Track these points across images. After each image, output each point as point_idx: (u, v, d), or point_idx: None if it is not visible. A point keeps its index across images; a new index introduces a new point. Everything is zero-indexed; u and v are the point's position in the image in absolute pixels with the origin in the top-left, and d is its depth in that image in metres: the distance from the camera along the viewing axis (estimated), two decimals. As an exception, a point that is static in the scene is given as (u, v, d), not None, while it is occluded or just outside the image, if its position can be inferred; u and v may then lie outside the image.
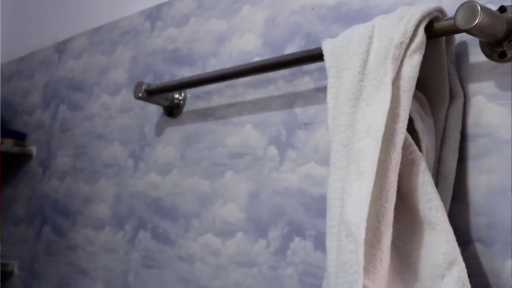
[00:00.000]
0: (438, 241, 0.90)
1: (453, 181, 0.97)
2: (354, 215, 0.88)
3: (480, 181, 0.95)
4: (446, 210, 0.96)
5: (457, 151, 0.98)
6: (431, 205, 0.90)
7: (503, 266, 0.90)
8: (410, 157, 0.92)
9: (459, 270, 0.88)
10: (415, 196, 0.90)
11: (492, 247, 0.92)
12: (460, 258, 0.88)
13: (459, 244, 0.94)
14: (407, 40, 0.92)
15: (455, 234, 0.95)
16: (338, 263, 0.91)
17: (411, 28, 0.92)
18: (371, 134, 0.90)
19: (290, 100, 1.26)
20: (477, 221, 0.94)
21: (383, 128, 0.89)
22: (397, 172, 0.90)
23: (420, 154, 0.92)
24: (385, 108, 0.90)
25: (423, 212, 0.90)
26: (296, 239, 1.19)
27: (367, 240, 0.87)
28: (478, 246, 0.94)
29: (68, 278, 1.78)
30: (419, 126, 0.94)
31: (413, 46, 0.93)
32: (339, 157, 0.98)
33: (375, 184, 0.88)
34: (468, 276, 0.93)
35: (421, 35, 0.93)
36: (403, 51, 0.92)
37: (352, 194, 0.90)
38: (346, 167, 0.97)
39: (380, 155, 0.89)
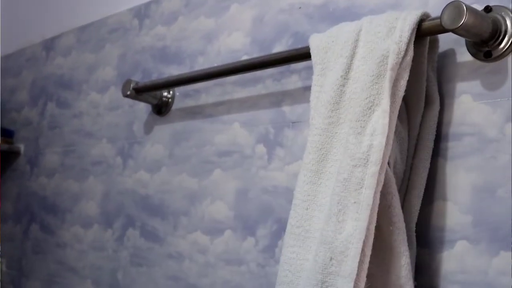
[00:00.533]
0: (394, 264, 0.92)
1: (422, 191, 0.98)
2: (346, 245, 0.89)
3: (466, 180, 0.96)
4: (413, 221, 0.97)
5: (429, 161, 0.99)
6: (393, 228, 0.92)
7: (489, 263, 0.91)
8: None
9: None
10: (380, 218, 0.91)
11: (478, 244, 0.93)
12: (411, 283, 0.91)
13: (446, 242, 0.96)
14: (401, 59, 0.92)
15: (441, 232, 0.97)
16: (311, 273, 0.92)
17: (404, 47, 0.92)
18: (368, 164, 0.90)
19: (278, 99, 1.27)
20: (463, 219, 0.95)
21: (380, 162, 0.89)
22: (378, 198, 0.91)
23: (392, 175, 0.93)
24: (383, 139, 0.90)
25: (384, 236, 0.92)
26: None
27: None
28: (464, 244, 0.94)
29: (56, 276, 1.78)
30: (391, 138, 0.95)
31: (404, 64, 0.93)
32: (311, 159, 0.99)
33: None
34: (455, 273, 0.94)
35: (411, 50, 0.93)
36: (396, 71, 0.92)
37: (344, 220, 0.90)
38: (316, 170, 0.99)
39: (375, 188, 0.89)
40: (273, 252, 1.21)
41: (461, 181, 0.97)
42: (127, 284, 1.54)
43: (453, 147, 0.98)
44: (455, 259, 0.95)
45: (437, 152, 0.99)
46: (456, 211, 0.96)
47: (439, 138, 1.00)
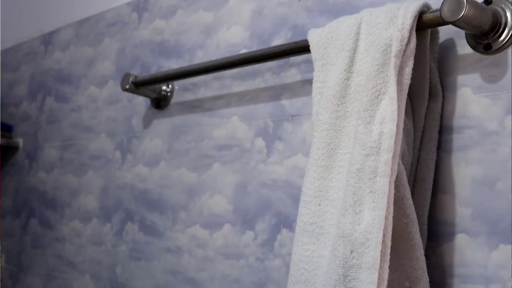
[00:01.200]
0: (409, 256, 0.91)
1: (432, 184, 0.98)
2: (367, 236, 0.88)
3: (466, 173, 0.96)
4: (425, 214, 0.97)
5: (435, 153, 0.98)
6: (407, 220, 0.91)
7: (488, 256, 0.91)
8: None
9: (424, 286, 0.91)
10: (394, 210, 0.90)
11: (477, 237, 0.93)
12: (425, 274, 0.91)
13: (446, 235, 0.96)
14: (404, 46, 0.92)
15: (441, 225, 0.97)
16: (331, 269, 0.91)
17: (407, 34, 0.91)
18: (381, 152, 0.89)
19: (277, 92, 1.26)
20: (463, 212, 0.95)
21: (393, 149, 0.89)
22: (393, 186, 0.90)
23: (403, 166, 0.93)
24: (393, 126, 0.89)
25: (399, 228, 0.91)
26: (284, 231, 1.20)
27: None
28: (464, 237, 0.94)
29: (55, 271, 1.78)
30: (401, 126, 0.94)
31: (408, 51, 0.92)
32: (321, 155, 0.98)
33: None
34: (454, 267, 0.94)
35: (414, 37, 0.92)
36: (401, 58, 0.92)
37: (362, 211, 0.89)
38: (326, 165, 0.98)
39: (390, 176, 0.88)
40: (272, 246, 1.21)
41: (461, 174, 0.96)
42: (126, 278, 1.54)
43: (453, 140, 0.98)
44: (455, 252, 0.95)
45: (438, 145, 0.99)
46: (456, 204, 0.96)
47: (440, 131, 0.99)
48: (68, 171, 1.80)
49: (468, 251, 0.93)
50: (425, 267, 0.92)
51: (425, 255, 0.96)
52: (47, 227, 1.84)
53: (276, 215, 1.21)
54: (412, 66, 0.93)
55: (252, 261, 1.24)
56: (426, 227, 0.97)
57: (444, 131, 0.99)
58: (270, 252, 1.21)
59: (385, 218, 0.87)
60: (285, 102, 1.24)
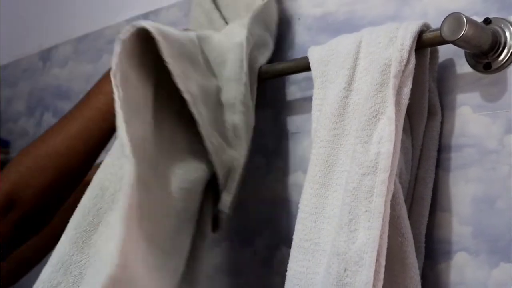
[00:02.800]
0: (403, 275, 0.91)
1: (429, 202, 0.98)
2: (361, 255, 0.88)
3: (466, 191, 0.96)
4: (423, 232, 0.97)
5: (433, 171, 0.99)
6: (402, 240, 0.91)
7: (488, 275, 0.91)
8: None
9: None
10: (390, 229, 0.90)
11: (477, 256, 0.93)
12: None
13: (446, 253, 0.96)
14: (403, 67, 0.92)
15: (441, 243, 0.97)
16: (324, 286, 0.91)
17: (406, 55, 0.92)
18: (377, 172, 0.89)
19: (277, 109, 1.27)
20: (463, 231, 0.95)
21: (389, 169, 0.89)
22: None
23: (399, 185, 0.93)
24: (390, 146, 0.89)
25: (394, 247, 0.91)
26: (283, 248, 1.19)
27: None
28: (464, 255, 0.94)
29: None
30: (398, 146, 0.95)
31: (407, 72, 0.93)
32: (318, 172, 0.99)
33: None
34: (453, 285, 0.94)
35: (413, 58, 0.93)
36: (399, 79, 0.93)
37: (357, 230, 0.89)
38: (323, 182, 0.98)
39: (386, 196, 0.89)
40: (271, 263, 1.21)
41: (460, 192, 0.97)
42: None
43: (453, 158, 0.99)
44: (455, 270, 0.95)
45: (437, 163, 0.99)
46: (456, 222, 0.96)
47: (440, 149, 1.00)
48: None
49: (468, 269, 0.93)
50: (419, 286, 0.92)
51: (423, 273, 0.97)
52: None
53: (276, 233, 1.21)
54: (410, 86, 0.93)
55: (252, 278, 1.23)
56: (423, 245, 0.97)
57: (443, 149, 1.00)
58: (269, 269, 1.21)
59: (380, 238, 0.88)
60: (284, 119, 1.25)
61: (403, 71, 0.93)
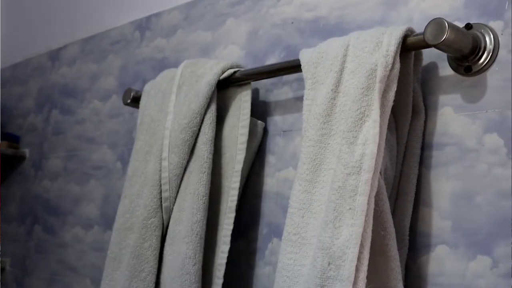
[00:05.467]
0: (385, 267, 0.92)
1: (413, 197, 0.99)
2: (344, 250, 0.89)
3: (446, 187, 0.96)
4: (407, 226, 0.98)
5: (417, 168, 0.99)
6: (384, 233, 0.92)
7: (466, 266, 0.92)
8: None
9: None
10: (373, 223, 0.91)
11: (456, 248, 0.93)
12: (401, 284, 0.92)
13: (427, 246, 0.96)
14: (389, 72, 0.93)
15: (423, 236, 0.97)
16: (310, 278, 0.92)
17: (391, 60, 0.92)
18: (362, 172, 0.90)
19: (270, 108, 1.27)
20: (443, 225, 0.96)
21: (373, 169, 0.90)
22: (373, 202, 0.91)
23: (383, 182, 0.94)
24: (374, 148, 0.90)
25: (376, 241, 0.92)
26: (275, 240, 1.20)
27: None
28: (444, 248, 0.95)
29: (57, 275, 1.77)
30: (382, 147, 0.95)
31: (392, 76, 0.93)
32: (306, 170, 0.99)
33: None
34: (434, 276, 0.95)
35: (398, 63, 0.94)
36: (385, 83, 0.93)
37: (341, 226, 0.90)
38: (311, 180, 0.99)
39: (369, 195, 0.89)
40: (263, 254, 1.21)
41: (441, 189, 0.97)
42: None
43: (435, 156, 0.99)
44: (435, 262, 0.95)
45: (420, 161, 1.00)
46: (437, 216, 0.97)
47: (422, 147, 1.00)
48: (72, 180, 1.80)
49: (447, 261, 0.94)
50: (400, 277, 0.92)
51: (406, 264, 0.97)
52: (50, 233, 1.84)
53: (268, 225, 1.22)
54: (395, 89, 0.94)
55: (245, 268, 1.24)
56: (407, 238, 0.97)
57: (426, 147, 1.00)
58: (261, 260, 1.21)
59: (363, 234, 0.88)
60: (277, 118, 1.25)
61: (388, 76, 0.93)
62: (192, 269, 1.13)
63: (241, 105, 1.22)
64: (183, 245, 1.14)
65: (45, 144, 1.96)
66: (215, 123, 1.21)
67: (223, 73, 1.23)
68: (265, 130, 1.27)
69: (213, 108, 1.21)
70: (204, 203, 1.16)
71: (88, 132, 1.78)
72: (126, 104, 1.49)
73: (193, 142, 1.21)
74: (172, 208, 1.21)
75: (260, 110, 1.29)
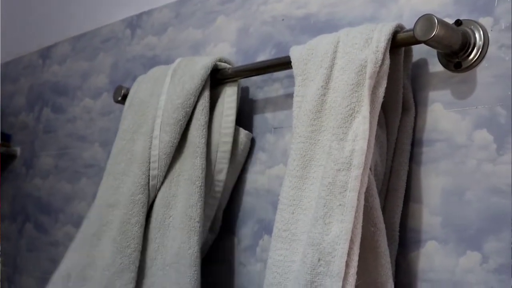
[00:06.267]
0: (375, 263, 0.91)
1: (403, 193, 0.98)
2: (334, 246, 0.88)
3: (436, 183, 0.96)
4: (397, 222, 0.97)
5: (407, 164, 0.99)
6: (374, 229, 0.91)
7: (456, 262, 0.91)
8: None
9: None
10: (363, 219, 0.90)
11: (446, 244, 0.93)
12: (391, 280, 0.91)
13: (417, 242, 0.95)
14: (378, 68, 0.92)
15: (413, 232, 0.97)
16: (300, 274, 0.91)
17: (381, 57, 0.92)
18: (352, 168, 0.89)
19: (261, 105, 1.26)
20: (433, 221, 0.95)
21: (363, 165, 0.89)
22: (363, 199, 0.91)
23: (373, 178, 0.93)
24: (364, 144, 0.90)
25: (367, 236, 0.91)
26: (265, 237, 1.19)
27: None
28: (434, 244, 0.94)
29: (49, 273, 1.75)
30: (372, 143, 0.94)
31: (382, 72, 0.93)
32: (296, 166, 0.98)
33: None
34: (424, 272, 0.94)
35: (387, 59, 0.93)
36: (374, 79, 0.92)
37: (331, 222, 0.89)
38: (301, 176, 0.98)
39: (359, 191, 0.89)
40: (254, 251, 1.20)
41: (432, 185, 0.97)
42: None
43: (425, 152, 0.98)
44: (425, 258, 0.95)
45: (410, 157, 0.99)
46: (427, 212, 0.96)
47: (412, 143, 1.00)
48: (63, 178, 1.79)
49: (437, 257, 0.93)
50: (390, 273, 0.92)
51: (396, 260, 0.97)
52: (41, 232, 1.82)
53: (259, 222, 1.21)
54: (385, 86, 0.93)
55: (236, 265, 1.23)
56: (397, 234, 0.97)
57: (416, 143, 1.00)
58: (252, 257, 1.20)
59: (353, 230, 0.88)
60: (268, 115, 1.24)
61: (378, 72, 0.92)
62: (187, 253, 1.12)
63: (224, 111, 1.22)
64: (177, 232, 1.14)
65: (36, 142, 1.94)
66: (208, 110, 1.20)
67: (220, 61, 1.24)
68: (255, 127, 1.26)
69: (206, 94, 1.21)
70: (198, 187, 1.15)
71: (79, 130, 1.77)
72: (117, 101, 1.48)
73: (185, 124, 1.20)
74: (159, 188, 1.20)
75: (250, 108, 1.28)
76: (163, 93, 1.25)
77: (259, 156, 1.24)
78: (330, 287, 0.87)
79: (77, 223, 1.69)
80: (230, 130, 1.20)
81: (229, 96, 1.23)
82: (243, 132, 1.23)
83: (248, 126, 1.27)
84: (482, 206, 0.90)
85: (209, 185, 1.19)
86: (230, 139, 1.20)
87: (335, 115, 0.95)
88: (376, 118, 0.93)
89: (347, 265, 0.87)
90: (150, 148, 1.22)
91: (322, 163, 0.96)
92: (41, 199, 1.86)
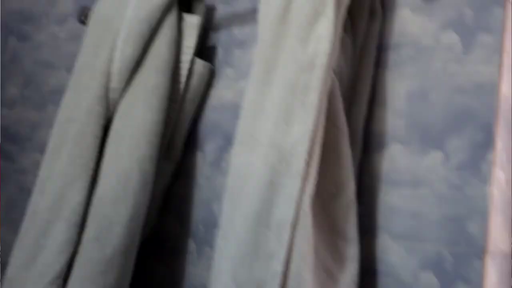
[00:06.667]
0: (336, 164, 0.90)
1: (368, 97, 0.97)
2: (295, 147, 0.87)
3: (401, 87, 0.95)
4: (361, 126, 0.95)
5: (372, 68, 0.97)
6: (336, 131, 0.90)
7: (419, 162, 0.90)
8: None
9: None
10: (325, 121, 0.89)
11: (409, 146, 0.92)
12: (352, 181, 0.90)
13: (381, 145, 0.94)
14: None
15: (377, 136, 0.96)
16: (260, 176, 0.90)
17: None
18: (314, 69, 0.88)
19: (227, 20, 1.23)
20: (397, 123, 0.94)
21: (325, 67, 0.87)
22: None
23: (336, 80, 0.91)
24: (327, 45, 0.88)
25: (328, 138, 0.90)
26: (230, 150, 1.17)
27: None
28: (397, 146, 0.93)
29: (18, 200, 1.74)
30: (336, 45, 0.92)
31: None
32: (259, 72, 0.97)
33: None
34: (386, 173, 0.93)
35: None
36: None
37: (292, 123, 0.88)
38: (263, 80, 0.96)
39: (321, 91, 0.87)
40: (219, 165, 1.19)
41: (397, 88, 0.95)
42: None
43: (391, 56, 0.97)
44: (389, 160, 0.94)
45: (376, 62, 0.98)
46: (391, 115, 0.95)
47: (379, 48, 0.98)
48: (29, 107, 1.75)
49: (400, 159, 0.93)
50: (351, 174, 0.91)
51: (360, 163, 0.96)
52: (8, 160, 1.79)
53: (224, 136, 1.19)
54: None
55: (202, 180, 1.22)
56: (361, 136, 0.95)
57: (383, 48, 0.98)
58: (217, 170, 1.19)
59: (314, 130, 0.86)
60: (235, 29, 1.22)
61: None
62: (140, 166, 1.11)
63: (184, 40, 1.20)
64: (133, 143, 1.12)
65: (2, 73, 1.89)
66: (176, 27, 1.17)
67: None
68: (222, 42, 1.23)
69: (174, 11, 1.17)
70: (158, 101, 1.13)
71: (46, 57, 1.72)
72: (81, 22, 1.44)
73: (149, 38, 1.17)
74: (119, 102, 1.17)
75: (217, 22, 1.25)
76: (128, 7, 1.22)
77: (226, 71, 1.21)
78: (290, 186, 0.86)
79: (44, 150, 1.66)
80: (188, 58, 1.19)
81: (190, 28, 1.20)
82: (203, 64, 1.21)
83: (214, 42, 1.24)
84: (446, 106, 0.89)
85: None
86: (187, 65, 1.19)
87: (299, 18, 0.93)
88: (341, 20, 0.91)
89: (308, 164, 0.86)
90: (111, 61, 1.18)
91: (285, 68, 0.94)
92: (8, 129, 1.82)
